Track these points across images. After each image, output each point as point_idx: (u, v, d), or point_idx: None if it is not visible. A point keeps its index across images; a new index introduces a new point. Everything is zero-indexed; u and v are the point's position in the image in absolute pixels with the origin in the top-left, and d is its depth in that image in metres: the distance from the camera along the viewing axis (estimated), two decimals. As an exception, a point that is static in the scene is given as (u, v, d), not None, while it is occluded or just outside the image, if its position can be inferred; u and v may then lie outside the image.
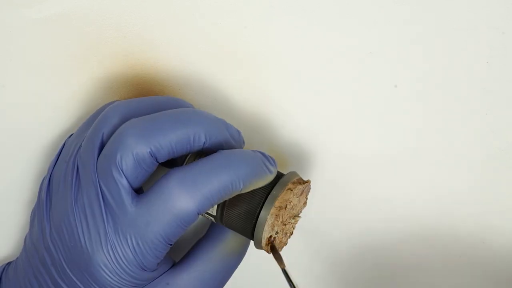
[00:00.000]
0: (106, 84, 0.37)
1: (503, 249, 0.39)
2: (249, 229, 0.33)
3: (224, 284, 0.35)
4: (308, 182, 0.34)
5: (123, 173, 0.30)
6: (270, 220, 0.32)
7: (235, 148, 0.33)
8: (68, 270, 0.32)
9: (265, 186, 0.32)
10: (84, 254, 0.31)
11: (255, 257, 0.40)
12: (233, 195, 0.31)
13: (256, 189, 0.32)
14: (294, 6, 0.33)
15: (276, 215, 0.32)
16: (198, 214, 0.30)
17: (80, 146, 0.33)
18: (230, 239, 0.35)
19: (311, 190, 0.38)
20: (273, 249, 0.33)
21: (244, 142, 0.34)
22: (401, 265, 0.42)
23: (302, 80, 0.35)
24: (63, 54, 0.35)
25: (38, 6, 0.33)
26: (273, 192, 0.32)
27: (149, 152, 0.30)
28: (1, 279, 0.36)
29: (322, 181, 0.39)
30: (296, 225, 0.36)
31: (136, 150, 0.30)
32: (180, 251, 0.37)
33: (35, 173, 0.39)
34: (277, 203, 0.32)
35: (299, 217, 0.35)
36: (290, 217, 0.34)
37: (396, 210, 0.39)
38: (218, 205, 0.33)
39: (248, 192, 0.32)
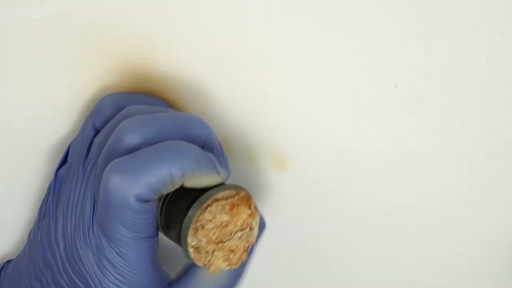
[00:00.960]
0: (106, 84, 0.37)
1: (503, 249, 0.39)
2: (180, 220, 0.31)
3: None
4: (238, 194, 0.32)
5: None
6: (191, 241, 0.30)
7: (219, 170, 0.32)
8: (69, 270, 0.32)
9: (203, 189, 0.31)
10: (81, 257, 0.31)
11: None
12: (177, 185, 0.30)
13: (195, 191, 0.31)
14: (294, 6, 0.33)
15: (195, 237, 0.30)
16: (140, 200, 0.29)
17: (88, 145, 0.33)
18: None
19: (311, 190, 0.38)
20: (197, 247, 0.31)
21: (228, 173, 0.33)
22: (401, 265, 0.42)
23: (302, 80, 0.35)
24: (63, 54, 0.35)
25: (38, 6, 0.33)
26: (190, 211, 0.31)
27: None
28: (5, 274, 0.36)
29: (321, 180, 0.39)
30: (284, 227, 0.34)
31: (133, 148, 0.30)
32: (173, 265, 0.36)
33: (35, 172, 0.39)
34: (193, 226, 0.30)
35: (250, 238, 0.32)
36: (231, 230, 0.31)
37: (395, 209, 0.39)
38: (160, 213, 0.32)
39: (188, 193, 0.31)
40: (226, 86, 0.36)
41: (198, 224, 0.30)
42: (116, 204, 0.29)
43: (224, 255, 0.32)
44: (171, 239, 0.33)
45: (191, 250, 0.31)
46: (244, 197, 0.31)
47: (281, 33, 0.34)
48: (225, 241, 0.31)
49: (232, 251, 0.32)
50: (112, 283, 0.31)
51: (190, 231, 0.30)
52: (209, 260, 0.31)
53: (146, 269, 0.31)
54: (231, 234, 0.31)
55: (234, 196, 0.31)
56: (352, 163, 0.38)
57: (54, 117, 0.37)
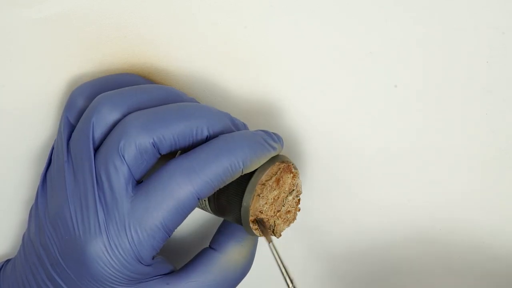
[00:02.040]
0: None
1: (503, 249, 0.39)
2: (236, 210, 0.33)
3: None
4: (279, 168, 0.33)
5: (125, 161, 0.30)
6: (255, 200, 0.32)
7: None
8: (63, 264, 0.32)
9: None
10: (78, 246, 0.31)
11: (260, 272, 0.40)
12: (236, 177, 0.31)
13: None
14: (294, 6, 0.33)
15: (259, 196, 0.32)
16: (198, 198, 0.30)
17: (66, 138, 0.33)
18: (231, 251, 0.35)
19: (311, 188, 0.38)
20: (260, 223, 0.33)
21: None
22: (400, 266, 0.42)
23: (302, 80, 0.35)
24: (63, 54, 0.35)
25: (38, 6, 0.33)
26: (243, 202, 0.32)
27: (152, 142, 0.30)
28: (4, 273, 0.36)
29: (321, 180, 0.39)
30: (294, 224, 0.36)
31: (139, 140, 0.30)
32: (182, 260, 0.36)
33: (34, 172, 0.39)
34: (251, 213, 0.32)
35: (299, 192, 0.35)
36: (282, 198, 0.34)
37: (395, 209, 0.39)
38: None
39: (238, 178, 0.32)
40: (226, 86, 0.36)
41: (257, 211, 0.32)
42: (173, 199, 0.30)
43: (284, 219, 0.34)
44: (227, 219, 0.35)
45: (256, 231, 0.33)
46: (284, 168, 0.33)
47: (281, 33, 0.34)
48: (281, 209, 0.34)
49: (289, 211, 0.34)
50: (117, 270, 0.31)
51: (250, 219, 0.32)
52: (274, 230, 0.34)
53: (151, 259, 0.32)
54: (283, 200, 0.34)
55: (276, 172, 0.33)
56: (352, 163, 0.38)
57: (54, 117, 0.37)
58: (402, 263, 0.42)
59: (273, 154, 0.33)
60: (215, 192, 0.33)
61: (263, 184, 0.32)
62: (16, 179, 0.39)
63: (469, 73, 0.33)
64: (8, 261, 0.37)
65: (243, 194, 0.32)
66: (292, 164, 0.34)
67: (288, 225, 0.35)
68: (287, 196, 0.34)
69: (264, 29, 0.34)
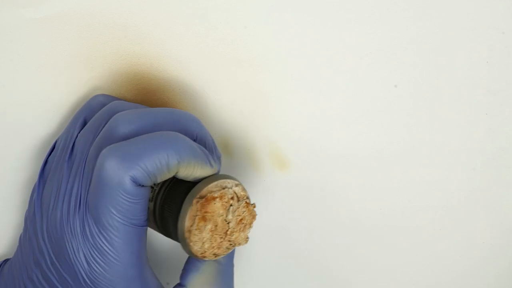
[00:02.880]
0: (107, 84, 0.37)
1: (503, 249, 0.39)
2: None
3: None
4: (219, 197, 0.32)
5: None
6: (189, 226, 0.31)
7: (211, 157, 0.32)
8: (57, 265, 0.32)
9: (192, 183, 0.32)
10: (67, 248, 0.31)
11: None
12: (172, 172, 0.30)
13: (186, 184, 0.32)
14: (294, 7, 0.33)
15: (193, 214, 0.31)
16: (136, 183, 0.29)
17: (73, 141, 0.33)
18: (194, 282, 0.34)
19: (311, 190, 0.38)
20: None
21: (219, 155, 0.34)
22: (400, 265, 0.42)
23: (302, 80, 0.35)
24: (63, 54, 0.35)
25: (38, 6, 0.33)
26: (193, 190, 0.31)
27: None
28: (1, 274, 0.36)
29: (320, 180, 0.39)
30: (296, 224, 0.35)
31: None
32: (170, 276, 0.36)
33: (33, 172, 0.39)
34: (194, 203, 0.31)
35: (241, 198, 0.33)
36: (222, 221, 0.32)
37: (395, 210, 0.39)
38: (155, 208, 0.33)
39: (180, 187, 0.32)
40: (226, 86, 0.37)
41: (199, 255, 0.32)
42: (111, 186, 0.29)
43: (239, 229, 0.33)
44: (166, 235, 0.33)
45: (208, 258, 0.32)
46: (202, 203, 0.31)
47: (281, 33, 0.34)
48: (227, 229, 0.32)
49: (241, 220, 0.33)
50: (99, 274, 0.30)
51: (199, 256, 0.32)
52: (236, 244, 0.33)
53: (133, 260, 0.31)
54: (225, 222, 0.32)
55: (196, 212, 0.31)
56: (352, 163, 0.38)
57: (54, 117, 0.37)
58: (400, 262, 0.42)
59: (209, 170, 0.32)
60: (158, 203, 0.33)
61: (189, 231, 0.31)
62: (15, 179, 0.39)
63: (469, 73, 0.33)
64: (6, 261, 0.37)
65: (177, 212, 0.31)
66: (210, 193, 0.31)
67: (250, 227, 0.33)
68: (226, 215, 0.32)
69: (264, 29, 0.34)
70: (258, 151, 0.39)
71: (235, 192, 0.32)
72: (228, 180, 0.32)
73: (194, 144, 0.31)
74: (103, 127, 0.32)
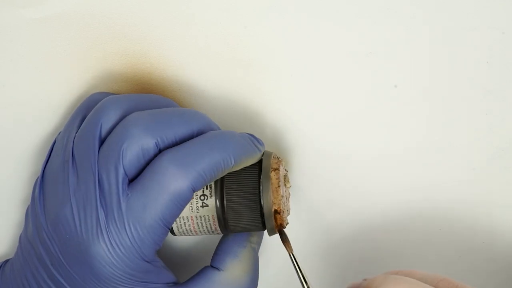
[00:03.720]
0: (107, 84, 0.37)
1: (503, 249, 0.39)
2: (255, 211, 0.33)
3: None
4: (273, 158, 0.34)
5: (126, 162, 0.31)
6: (272, 191, 0.33)
7: None
8: (65, 264, 0.32)
9: (254, 165, 0.33)
10: (81, 246, 0.31)
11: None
12: (225, 173, 0.32)
13: (248, 169, 0.33)
14: (294, 7, 0.33)
15: (276, 186, 0.33)
16: (193, 190, 0.30)
17: (73, 138, 0.33)
18: (231, 267, 0.34)
19: (311, 191, 0.38)
20: (281, 233, 0.33)
21: None
22: (400, 265, 0.42)
23: (302, 80, 0.35)
24: (63, 54, 0.35)
25: (38, 6, 0.33)
26: (264, 168, 0.33)
27: (155, 143, 0.31)
28: (3, 274, 0.36)
29: (322, 180, 0.39)
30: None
31: (142, 141, 0.30)
32: (186, 275, 0.36)
33: (32, 172, 0.39)
34: (272, 175, 0.33)
35: (290, 185, 0.36)
36: (285, 188, 0.35)
37: (395, 211, 0.39)
38: (217, 204, 0.34)
39: (241, 175, 0.33)
40: (227, 86, 0.36)
41: (275, 206, 0.33)
42: (169, 193, 0.30)
43: (285, 216, 0.35)
44: (236, 228, 0.34)
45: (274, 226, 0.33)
46: (279, 159, 0.34)
47: (280, 33, 0.34)
48: (284, 196, 0.35)
49: (286, 211, 0.35)
50: (119, 269, 0.31)
51: (272, 181, 0.33)
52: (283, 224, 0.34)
53: (154, 255, 0.32)
54: (284, 188, 0.35)
55: (278, 165, 0.34)
56: (351, 162, 0.38)
57: (54, 117, 0.37)
58: (402, 264, 0.42)
59: (259, 156, 0.33)
60: (222, 202, 0.33)
61: (276, 203, 0.33)
62: (14, 178, 0.39)
63: (469, 73, 0.33)
64: (6, 261, 0.37)
65: (259, 191, 0.33)
66: (276, 163, 0.34)
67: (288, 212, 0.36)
68: (285, 184, 0.35)
69: (264, 29, 0.34)
70: (258, 151, 0.39)
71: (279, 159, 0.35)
72: (271, 152, 0.35)
73: (241, 138, 0.32)
74: (100, 126, 0.32)
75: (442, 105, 0.34)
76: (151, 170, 0.30)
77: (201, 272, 0.35)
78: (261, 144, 0.34)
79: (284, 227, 0.34)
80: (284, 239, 0.33)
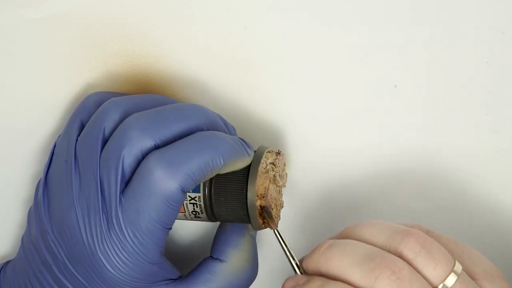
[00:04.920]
0: (107, 84, 0.37)
1: (503, 249, 0.39)
2: (240, 202, 0.33)
3: None
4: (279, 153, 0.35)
5: (125, 167, 0.30)
6: (260, 183, 0.33)
7: None
8: (71, 267, 0.32)
9: (243, 168, 0.33)
10: (86, 250, 0.31)
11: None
12: (215, 173, 0.31)
13: (236, 171, 0.33)
14: (294, 7, 0.33)
15: (263, 181, 0.33)
16: (183, 191, 0.30)
17: (75, 141, 0.33)
18: (232, 257, 0.35)
19: (311, 191, 0.38)
20: (265, 210, 0.33)
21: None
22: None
23: (302, 80, 0.35)
24: (64, 54, 0.35)
25: (38, 6, 0.33)
26: (252, 167, 0.33)
27: (154, 145, 0.30)
28: (4, 275, 0.36)
29: (322, 180, 0.39)
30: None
31: (141, 144, 0.30)
32: (187, 267, 0.36)
33: (34, 172, 0.39)
34: (260, 170, 0.33)
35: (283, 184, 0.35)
36: (277, 185, 0.35)
37: (395, 209, 0.39)
38: (205, 198, 0.33)
39: (229, 173, 0.33)
40: (227, 86, 0.36)
41: (263, 171, 0.33)
42: (158, 195, 0.30)
43: (276, 211, 0.35)
44: (223, 218, 0.34)
45: (259, 218, 0.33)
46: (276, 153, 0.34)
47: (281, 33, 0.34)
48: (276, 191, 0.35)
49: (278, 205, 0.35)
50: (125, 273, 0.31)
51: (257, 204, 0.33)
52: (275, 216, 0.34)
53: (159, 257, 0.32)
54: (278, 179, 0.34)
55: (276, 154, 0.34)
56: (351, 162, 0.38)
57: (54, 117, 0.37)
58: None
59: (248, 160, 0.33)
60: (210, 194, 0.33)
61: (266, 172, 0.33)
62: (16, 179, 0.39)
63: (469, 73, 0.33)
64: (8, 262, 0.37)
65: (245, 182, 0.32)
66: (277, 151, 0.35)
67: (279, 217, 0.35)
68: (275, 180, 0.34)
69: (264, 29, 0.34)
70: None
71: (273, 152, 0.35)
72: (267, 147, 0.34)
73: (231, 140, 0.32)
74: (104, 130, 0.32)
75: (442, 105, 0.34)
76: (140, 173, 0.30)
77: (203, 264, 0.34)
78: (251, 148, 0.33)
79: (267, 207, 0.33)
80: (269, 217, 0.33)
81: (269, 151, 0.34)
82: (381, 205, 0.39)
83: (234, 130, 0.34)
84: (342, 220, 0.41)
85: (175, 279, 0.33)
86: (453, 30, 0.32)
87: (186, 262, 0.41)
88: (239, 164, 0.32)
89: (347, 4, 0.32)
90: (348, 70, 0.34)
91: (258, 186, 0.32)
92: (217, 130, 0.32)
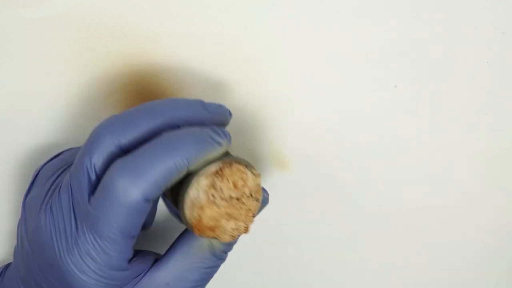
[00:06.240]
0: (107, 84, 0.37)
1: (503, 249, 0.39)
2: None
3: (208, 280, 0.34)
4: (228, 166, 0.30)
5: (90, 170, 0.30)
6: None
7: (216, 124, 0.32)
8: (44, 270, 0.32)
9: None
10: (56, 256, 0.31)
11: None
12: (183, 174, 0.30)
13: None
14: (294, 7, 0.33)
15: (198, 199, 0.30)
16: (147, 200, 0.29)
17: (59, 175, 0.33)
18: (195, 246, 0.33)
19: (311, 191, 0.38)
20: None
21: (230, 113, 0.33)
22: (401, 265, 0.42)
23: (302, 80, 0.35)
24: (63, 54, 0.35)
25: (38, 6, 0.33)
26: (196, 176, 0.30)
27: (119, 146, 0.30)
28: (3, 279, 0.36)
29: (322, 181, 0.39)
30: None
31: (104, 144, 0.30)
32: (165, 243, 0.36)
33: (33, 172, 0.39)
34: (198, 186, 0.30)
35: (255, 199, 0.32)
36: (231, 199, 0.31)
37: (395, 209, 0.39)
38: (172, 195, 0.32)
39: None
40: (227, 86, 0.37)
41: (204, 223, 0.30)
42: (121, 205, 0.29)
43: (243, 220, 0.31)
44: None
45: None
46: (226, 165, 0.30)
47: (281, 33, 0.34)
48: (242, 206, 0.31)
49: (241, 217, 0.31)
50: (92, 278, 0.30)
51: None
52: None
53: (125, 265, 0.31)
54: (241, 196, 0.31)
55: (224, 169, 0.30)
56: (352, 163, 0.38)
57: (54, 117, 0.38)
58: (402, 264, 0.42)
59: (220, 150, 0.31)
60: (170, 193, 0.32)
61: (205, 189, 0.30)
62: (16, 179, 0.39)
63: (469, 73, 0.33)
64: (8, 265, 0.37)
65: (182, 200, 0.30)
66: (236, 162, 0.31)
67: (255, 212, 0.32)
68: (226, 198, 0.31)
69: (264, 29, 0.34)
70: (258, 151, 0.39)
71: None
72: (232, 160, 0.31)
73: (196, 136, 0.30)
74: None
75: (442, 105, 0.35)
76: (104, 182, 0.29)
77: (182, 237, 0.33)
78: (223, 136, 0.31)
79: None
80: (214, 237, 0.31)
81: (206, 174, 0.30)
82: (380, 204, 0.40)
83: (221, 106, 0.32)
84: (342, 219, 0.41)
85: (153, 263, 0.33)
86: (453, 30, 0.32)
87: (166, 236, 0.40)
88: (211, 156, 0.30)
89: (347, 4, 0.32)
90: (348, 70, 0.34)
91: (189, 217, 0.30)
92: (194, 121, 0.31)
